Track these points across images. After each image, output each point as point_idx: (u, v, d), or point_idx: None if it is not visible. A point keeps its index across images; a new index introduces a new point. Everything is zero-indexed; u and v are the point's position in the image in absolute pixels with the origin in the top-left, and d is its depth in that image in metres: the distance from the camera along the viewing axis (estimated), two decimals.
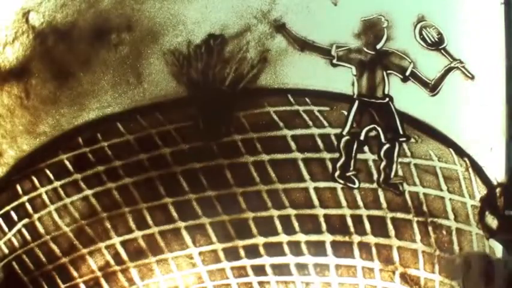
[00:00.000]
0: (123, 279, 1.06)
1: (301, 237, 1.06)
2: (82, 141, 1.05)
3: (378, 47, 1.08)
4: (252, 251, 1.03)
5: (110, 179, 1.05)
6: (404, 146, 1.07)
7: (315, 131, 1.06)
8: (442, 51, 1.09)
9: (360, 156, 1.07)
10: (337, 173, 1.06)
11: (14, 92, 1.04)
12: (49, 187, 1.05)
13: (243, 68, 1.05)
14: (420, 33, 1.08)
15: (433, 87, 1.08)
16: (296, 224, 1.06)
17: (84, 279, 1.06)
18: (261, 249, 1.03)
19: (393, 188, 1.07)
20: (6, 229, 1.06)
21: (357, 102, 1.07)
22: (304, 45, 1.06)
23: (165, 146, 1.05)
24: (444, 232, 1.07)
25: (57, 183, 1.05)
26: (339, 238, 1.06)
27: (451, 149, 1.08)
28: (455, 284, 1.07)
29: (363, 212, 1.06)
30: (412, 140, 1.07)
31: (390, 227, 1.06)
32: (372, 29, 1.08)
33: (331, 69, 1.07)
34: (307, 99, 1.06)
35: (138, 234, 1.05)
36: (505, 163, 1.09)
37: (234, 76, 1.05)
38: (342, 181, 1.06)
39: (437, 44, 1.09)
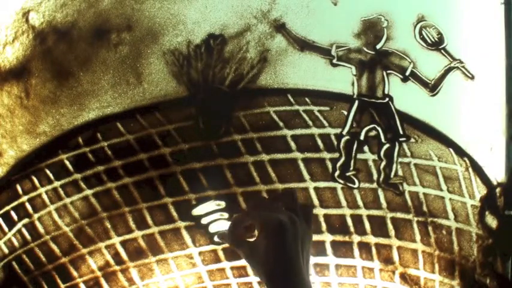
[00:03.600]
0: (123, 279, 1.06)
1: None
2: (82, 141, 1.05)
3: (378, 47, 1.08)
4: None
5: (110, 179, 1.05)
6: (404, 146, 1.08)
7: (315, 131, 1.06)
8: (442, 51, 1.09)
9: (360, 156, 1.07)
10: (337, 173, 1.06)
11: (14, 92, 1.04)
12: (49, 187, 1.05)
13: (243, 68, 1.05)
14: (420, 33, 1.08)
15: (433, 87, 1.08)
16: None
17: (84, 279, 1.06)
18: None
19: (393, 188, 1.07)
20: (6, 229, 1.06)
21: (356, 102, 1.07)
22: (304, 45, 1.06)
23: (165, 146, 1.05)
24: (444, 232, 1.07)
25: (57, 183, 1.05)
26: (338, 238, 1.06)
27: (451, 149, 1.08)
28: (456, 284, 1.07)
29: (363, 211, 1.07)
30: (412, 140, 1.08)
31: (390, 226, 1.07)
32: (372, 29, 1.08)
33: (331, 69, 1.07)
34: (307, 99, 1.06)
35: (138, 234, 1.05)
36: (505, 163, 1.09)
37: (234, 76, 1.05)
38: (342, 181, 1.06)
39: (437, 44, 1.09)
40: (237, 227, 0.71)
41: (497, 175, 1.09)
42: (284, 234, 0.66)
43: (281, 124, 1.06)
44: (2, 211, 1.06)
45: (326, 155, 1.06)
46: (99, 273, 1.06)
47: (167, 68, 1.05)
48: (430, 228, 1.07)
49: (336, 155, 1.06)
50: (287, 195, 0.75)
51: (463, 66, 1.09)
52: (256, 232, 0.70)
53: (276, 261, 0.66)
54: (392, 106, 1.08)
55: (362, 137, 1.07)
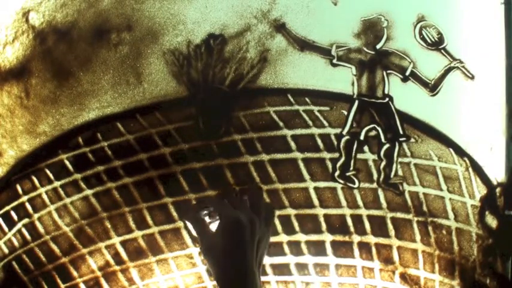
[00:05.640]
0: (123, 279, 1.06)
1: (301, 237, 1.06)
2: (82, 141, 1.05)
3: (378, 47, 1.08)
4: None
5: (110, 179, 1.05)
6: (404, 146, 1.08)
7: (315, 130, 1.06)
8: (442, 51, 1.09)
9: (359, 156, 1.07)
10: (337, 173, 1.06)
11: (14, 92, 1.04)
12: (49, 187, 1.05)
13: (243, 68, 1.05)
14: (420, 33, 1.08)
15: (433, 87, 1.08)
16: (296, 224, 1.06)
17: (84, 279, 1.06)
18: None
19: (393, 188, 1.07)
20: (6, 229, 1.06)
21: (356, 102, 1.07)
22: (304, 45, 1.06)
23: (165, 146, 1.05)
24: (444, 232, 1.07)
25: (57, 183, 1.05)
26: (338, 238, 1.06)
27: (451, 149, 1.08)
28: (456, 284, 1.07)
29: (363, 211, 1.07)
30: (412, 140, 1.08)
31: (390, 226, 1.07)
32: (372, 29, 1.08)
33: (331, 69, 1.07)
34: (307, 99, 1.06)
35: (138, 234, 1.05)
36: (505, 163, 1.09)
37: (234, 76, 1.05)
38: (341, 181, 1.06)
39: (437, 44, 1.09)
40: (199, 213, 0.75)
41: (497, 175, 1.09)
42: (241, 235, 0.68)
43: (281, 124, 1.06)
44: (2, 211, 1.06)
45: (326, 155, 1.06)
46: (99, 273, 1.06)
47: (167, 68, 1.05)
48: (430, 228, 1.07)
49: (336, 155, 1.06)
50: (254, 192, 0.78)
51: (463, 66, 1.09)
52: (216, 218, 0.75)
53: (231, 261, 0.69)
54: (392, 106, 1.08)
55: (362, 137, 1.07)
